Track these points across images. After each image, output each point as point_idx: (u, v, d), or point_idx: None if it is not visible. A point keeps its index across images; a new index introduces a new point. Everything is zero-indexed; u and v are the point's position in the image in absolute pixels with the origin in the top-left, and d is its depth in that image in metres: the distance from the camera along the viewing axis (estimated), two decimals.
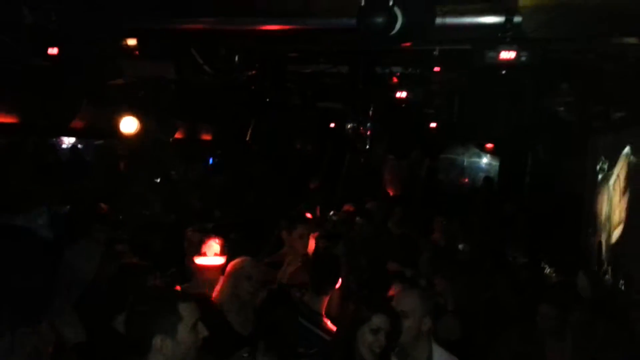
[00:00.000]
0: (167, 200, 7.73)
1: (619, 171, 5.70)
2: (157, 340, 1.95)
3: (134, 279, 2.76)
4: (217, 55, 5.57)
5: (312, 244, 4.58)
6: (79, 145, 10.57)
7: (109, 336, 2.65)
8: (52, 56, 4.55)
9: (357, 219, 6.34)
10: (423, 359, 2.71)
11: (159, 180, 8.25)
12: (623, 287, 5.27)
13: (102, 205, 5.76)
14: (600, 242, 6.18)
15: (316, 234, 4.71)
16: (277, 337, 2.68)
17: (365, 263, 4.68)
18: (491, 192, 9.77)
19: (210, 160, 11.21)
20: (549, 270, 4.82)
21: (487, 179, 10.31)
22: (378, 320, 2.51)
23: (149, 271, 2.81)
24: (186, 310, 2.02)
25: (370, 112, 7.33)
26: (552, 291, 4.14)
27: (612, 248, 5.79)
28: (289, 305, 3.01)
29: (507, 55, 3.83)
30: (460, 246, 6.20)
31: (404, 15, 3.32)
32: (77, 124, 7.70)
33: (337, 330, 3.00)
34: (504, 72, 3.98)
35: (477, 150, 10.53)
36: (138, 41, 4.63)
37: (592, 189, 6.49)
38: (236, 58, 5.76)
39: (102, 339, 2.68)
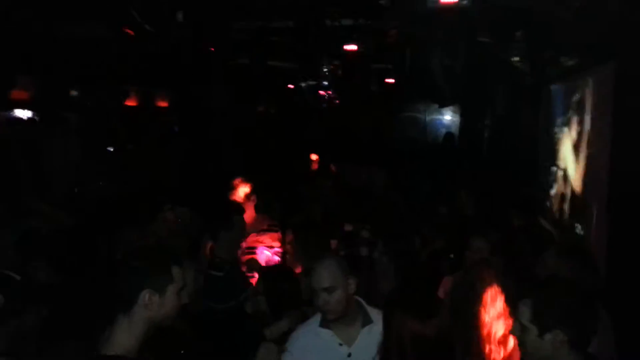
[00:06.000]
0: (122, 171, 7.51)
1: (573, 121, 5.71)
2: (146, 295, 2.02)
3: None
4: (158, 12, 5.29)
5: None
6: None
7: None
8: None
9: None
10: (357, 319, 2.68)
11: (112, 150, 7.99)
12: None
13: None
14: (558, 195, 6.21)
15: None
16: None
17: None
18: (453, 148, 9.80)
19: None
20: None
21: (448, 134, 10.32)
22: None
23: None
24: (177, 274, 2.12)
25: (325, 70, 7.16)
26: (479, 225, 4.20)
27: (570, 200, 5.82)
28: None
29: None
30: None
31: None
32: (20, 95, 7.33)
33: None
34: (443, 17, 3.88)
35: (437, 107, 10.48)
36: None
37: (546, 140, 6.53)
38: (180, 15, 5.50)
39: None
